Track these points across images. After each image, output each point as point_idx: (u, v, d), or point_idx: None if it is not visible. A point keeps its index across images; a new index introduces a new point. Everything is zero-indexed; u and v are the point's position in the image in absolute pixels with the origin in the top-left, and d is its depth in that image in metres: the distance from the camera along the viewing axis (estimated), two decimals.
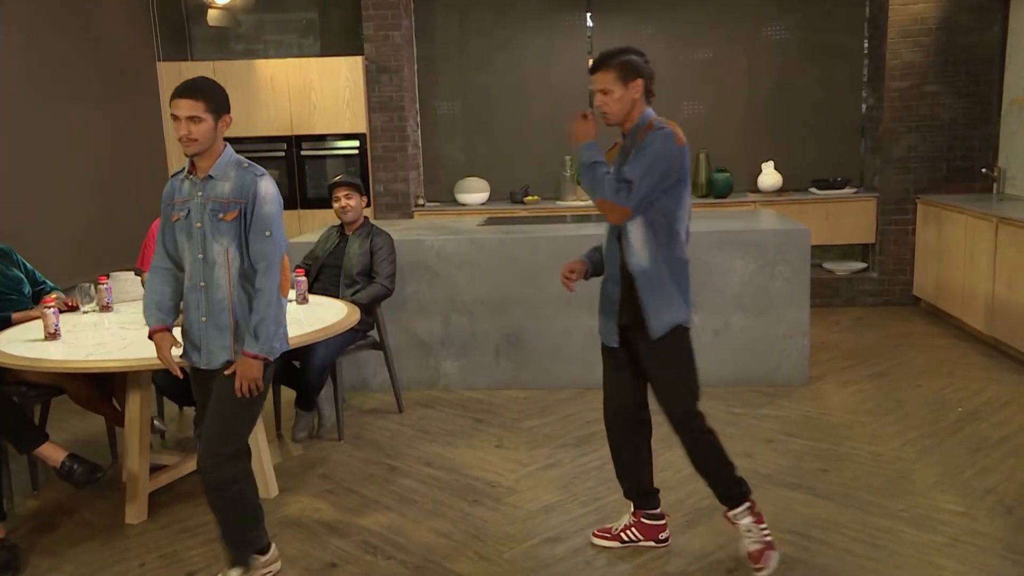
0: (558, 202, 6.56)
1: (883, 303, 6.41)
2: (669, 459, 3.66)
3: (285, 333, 2.63)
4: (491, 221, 5.37)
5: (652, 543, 2.93)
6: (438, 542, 3.02)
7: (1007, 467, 3.47)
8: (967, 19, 5.97)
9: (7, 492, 3.27)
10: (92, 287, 3.82)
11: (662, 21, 6.62)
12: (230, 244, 2.52)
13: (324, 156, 6.42)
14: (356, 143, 6.37)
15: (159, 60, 6.41)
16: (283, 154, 6.38)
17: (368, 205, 4.35)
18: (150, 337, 2.66)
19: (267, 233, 2.51)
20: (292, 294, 3.91)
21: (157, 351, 2.66)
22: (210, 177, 2.53)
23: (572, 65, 6.69)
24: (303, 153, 6.40)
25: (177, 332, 2.70)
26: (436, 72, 6.85)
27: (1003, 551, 2.82)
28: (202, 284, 2.55)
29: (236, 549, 2.68)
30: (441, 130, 6.94)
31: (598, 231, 4.20)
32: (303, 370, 3.93)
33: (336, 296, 4.10)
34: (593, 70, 2.66)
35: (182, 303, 2.65)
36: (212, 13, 6.62)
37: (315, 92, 6.30)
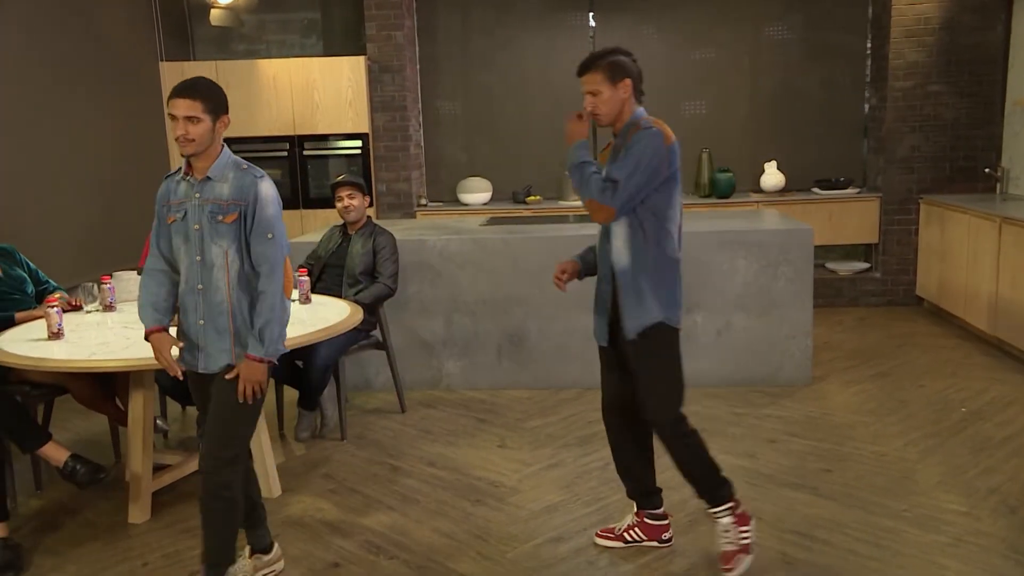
0: (560, 202, 6.56)
1: (886, 303, 6.40)
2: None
3: (284, 334, 2.61)
4: (493, 221, 5.37)
5: (655, 543, 2.93)
6: (441, 542, 3.02)
7: (1010, 467, 3.46)
8: (970, 19, 5.96)
9: (10, 491, 3.28)
10: (95, 286, 3.82)
11: (664, 21, 6.61)
12: (229, 246, 2.48)
13: (326, 156, 6.42)
14: (358, 143, 6.37)
15: (161, 60, 6.41)
16: (285, 154, 6.39)
17: (370, 205, 4.34)
18: (146, 337, 2.60)
19: (269, 235, 2.49)
20: (295, 293, 3.92)
21: (155, 352, 2.59)
22: (208, 178, 2.49)
23: (574, 65, 6.62)
24: (305, 153, 6.40)
25: (172, 333, 2.66)
26: (438, 72, 6.84)
27: (1006, 551, 2.81)
28: (200, 287, 2.51)
29: (212, 564, 2.57)
30: (443, 130, 6.94)
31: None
32: (306, 370, 3.93)
33: (339, 296, 4.10)
34: (581, 72, 2.66)
35: (178, 305, 2.61)
36: (215, 13, 6.62)
37: (317, 92, 6.31)
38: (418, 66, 6.77)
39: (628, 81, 2.62)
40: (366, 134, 6.35)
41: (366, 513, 3.27)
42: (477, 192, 6.64)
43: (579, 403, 4.42)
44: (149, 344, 2.61)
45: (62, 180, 5.26)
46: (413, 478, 3.58)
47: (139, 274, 4.14)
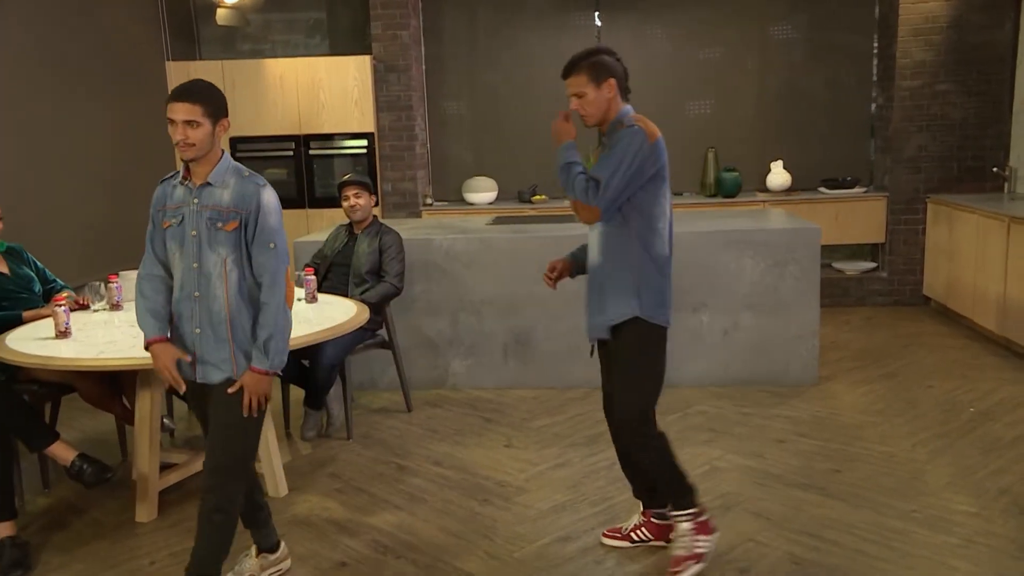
0: (566, 201, 6.55)
1: (893, 303, 6.38)
2: (682, 458, 3.59)
3: (287, 345, 2.53)
4: (499, 220, 5.36)
5: (662, 543, 2.92)
6: (448, 541, 3.02)
7: (1020, 468, 3.44)
8: (978, 17, 5.94)
9: (18, 490, 3.28)
10: (102, 285, 3.83)
11: (670, 20, 6.60)
12: (228, 255, 2.41)
13: (332, 155, 6.42)
14: (364, 142, 6.37)
15: (168, 59, 6.42)
16: (291, 153, 6.39)
17: (376, 204, 4.34)
18: (147, 347, 2.50)
19: (271, 246, 2.43)
20: (301, 292, 3.92)
21: (156, 362, 2.48)
22: (208, 184, 2.42)
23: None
24: (311, 152, 6.40)
25: None
26: (444, 71, 6.84)
27: (1017, 552, 2.79)
28: (196, 294, 2.44)
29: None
30: (449, 129, 6.94)
31: None
32: (312, 369, 3.93)
33: (345, 295, 4.10)
34: (565, 75, 2.66)
35: (172, 312, 2.53)
36: (221, 12, 6.62)
37: (323, 91, 6.31)
38: (424, 66, 6.77)
39: (612, 81, 2.62)
40: (372, 133, 6.35)
41: (373, 512, 3.26)
42: (482, 192, 6.63)
43: (585, 402, 4.41)
44: (150, 354, 2.51)
45: (69, 179, 5.27)
46: (420, 477, 3.57)
47: None
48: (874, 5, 6.41)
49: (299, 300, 3.89)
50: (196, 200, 2.43)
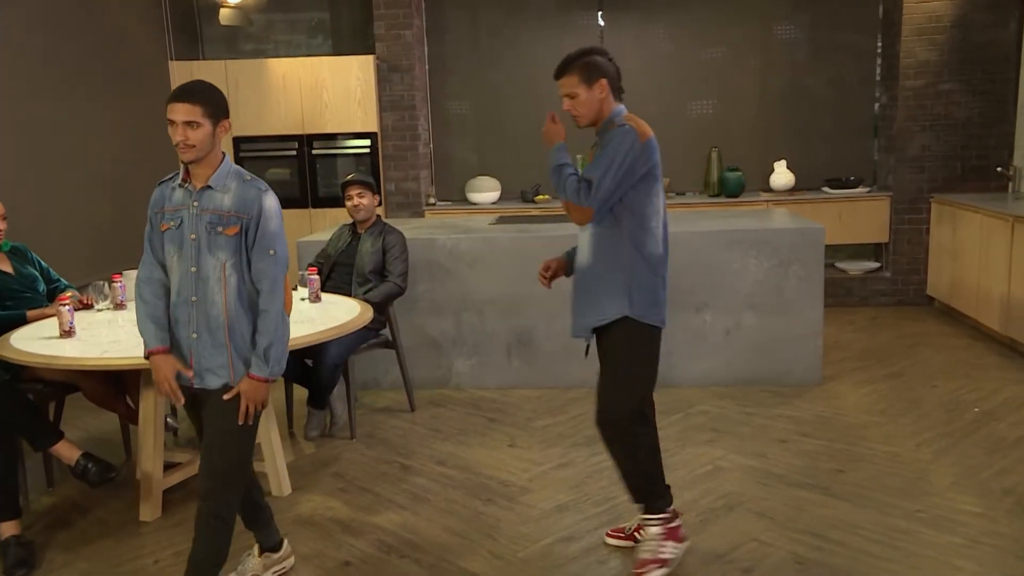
0: None
1: (896, 303, 6.37)
2: (684, 458, 3.65)
3: (286, 352, 2.49)
4: (502, 220, 5.36)
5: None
6: (452, 541, 3.01)
7: None
8: (982, 16, 5.92)
9: (22, 489, 3.28)
10: (106, 285, 3.83)
11: (673, 20, 6.59)
12: (228, 259, 2.37)
13: (335, 155, 6.42)
14: (367, 142, 6.37)
15: (171, 59, 6.43)
16: (294, 153, 6.39)
17: (379, 204, 4.34)
18: (147, 357, 2.45)
19: (271, 252, 2.39)
20: (304, 292, 3.92)
21: (156, 373, 2.44)
22: (208, 187, 2.39)
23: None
24: (314, 152, 6.40)
25: None
26: (447, 71, 6.84)
27: (1022, 552, 2.79)
28: (193, 299, 2.40)
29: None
30: (452, 129, 6.94)
31: None
32: (316, 368, 3.93)
33: (348, 294, 4.10)
34: (556, 75, 2.67)
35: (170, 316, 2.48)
36: (224, 12, 6.63)
37: (327, 91, 6.31)
38: (427, 65, 6.77)
39: (604, 81, 2.62)
40: (375, 133, 6.36)
41: (376, 512, 3.27)
42: (486, 191, 6.63)
43: (588, 402, 4.37)
44: (151, 364, 2.45)
45: (73, 179, 5.27)
46: (423, 477, 3.57)
47: None
48: (878, 4, 6.40)
49: (303, 300, 3.89)
50: (196, 203, 2.39)
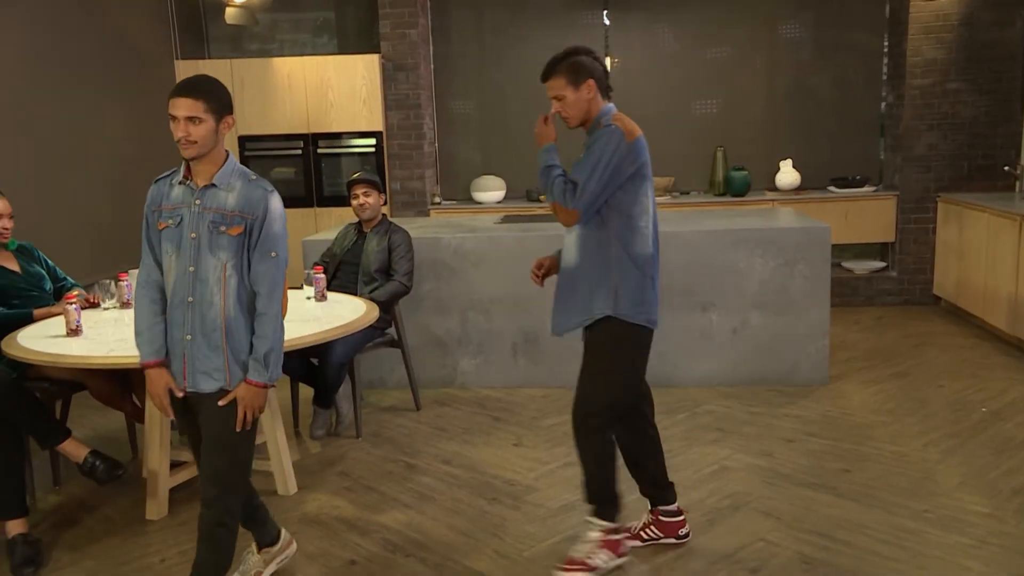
0: None
1: (903, 302, 6.35)
2: (690, 457, 3.64)
3: (282, 356, 2.43)
4: (508, 219, 5.35)
5: (672, 540, 2.91)
6: (458, 540, 3.01)
7: None
8: (989, 15, 5.90)
9: (29, 487, 3.28)
10: (112, 284, 3.84)
11: (679, 19, 6.58)
12: (229, 260, 2.31)
13: (340, 154, 6.42)
14: (372, 141, 6.37)
15: (177, 58, 6.44)
16: (300, 152, 6.39)
17: (384, 203, 4.34)
18: (142, 368, 2.39)
19: (272, 254, 2.34)
20: (310, 291, 3.92)
21: (150, 386, 2.39)
22: (212, 185, 2.32)
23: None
24: (320, 151, 6.40)
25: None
26: (452, 70, 6.84)
27: None
28: (190, 299, 2.32)
29: None
30: (457, 128, 6.93)
31: None
32: (321, 367, 3.93)
33: (354, 293, 4.10)
34: (543, 78, 2.66)
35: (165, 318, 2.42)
36: (229, 11, 6.64)
37: (332, 90, 6.31)
38: (432, 64, 6.77)
39: (591, 82, 2.61)
40: (380, 132, 6.36)
41: (382, 511, 3.26)
42: (491, 190, 6.63)
43: None
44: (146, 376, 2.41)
45: (78, 178, 5.29)
46: (429, 476, 3.57)
47: None
48: (884, 3, 6.38)
49: (308, 298, 3.89)
50: (198, 201, 2.32)
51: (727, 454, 3.67)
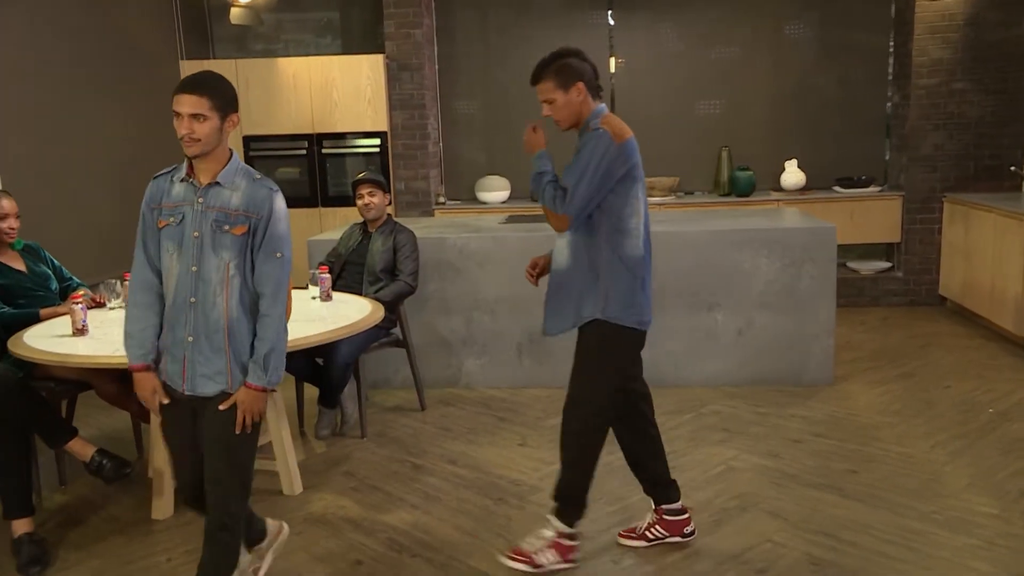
0: None
1: (908, 303, 6.33)
2: (697, 458, 3.64)
3: (284, 360, 2.39)
4: (512, 219, 5.35)
5: (678, 538, 2.91)
6: (463, 540, 3.01)
7: None
8: (995, 15, 5.88)
9: (35, 487, 3.29)
10: (118, 283, 3.84)
11: (683, 19, 6.57)
12: (232, 259, 2.26)
13: (345, 154, 6.42)
14: (377, 141, 6.37)
15: (182, 58, 6.44)
16: (304, 152, 6.39)
17: (389, 203, 4.34)
18: (130, 371, 2.36)
19: (278, 255, 2.29)
20: (315, 291, 3.92)
21: (138, 389, 2.36)
22: (216, 184, 2.27)
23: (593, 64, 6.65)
24: (324, 151, 6.40)
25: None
26: (457, 70, 6.84)
27: None
28: (192, 300, 2.27)
29: None
30: (462, 128, 6.93)
31: None
32: (326, 367, 3.93)
33: (359, 293, 4.10)
34: (533, 82, 2.66)
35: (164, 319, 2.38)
36: (234, 11, 6.64)
37: (336, 90, 6.31)
38: (436, 65, 6.76)
39: (580, 84, 2.61)
40: (384, 132, 6.36)
41: (388, 511, 3.26)
42: (495, 190, 6.62)
43: None
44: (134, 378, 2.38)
45: (84, 178, 5.29)
46: (434, 476, 3.57)
47: None
48: (890, 3, 6.36)
49: (314, 298, 3.89)
50: (201, 200, 2.27)
51: (733, 454, 3.66)
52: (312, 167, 6.43)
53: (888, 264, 6.47)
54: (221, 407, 2.29)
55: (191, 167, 2.31)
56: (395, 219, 4.39)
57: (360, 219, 4.35)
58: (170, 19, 6.41)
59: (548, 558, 2.73)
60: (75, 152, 5.21)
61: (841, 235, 5.14)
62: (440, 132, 6.86)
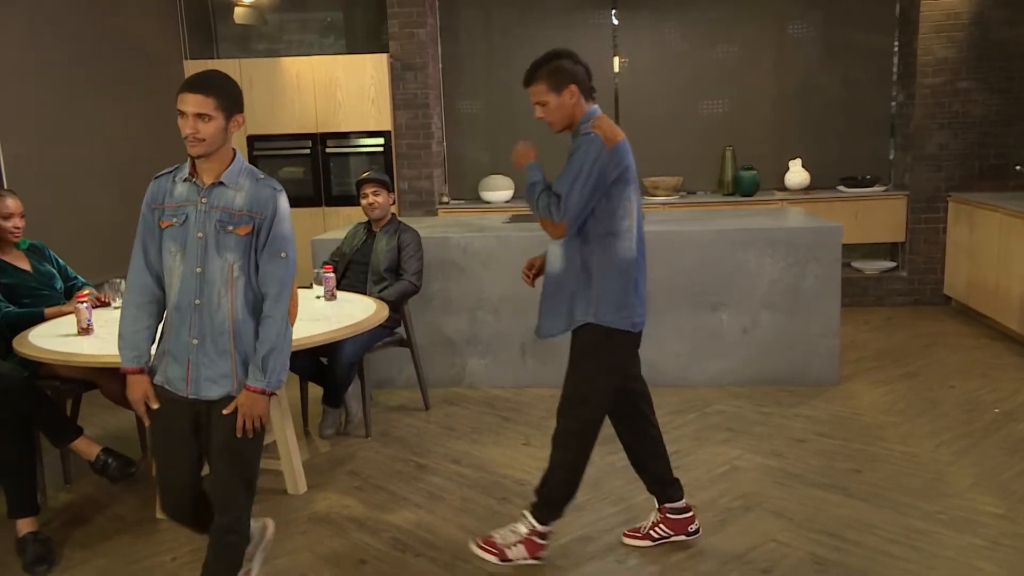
0: None
1: (913, 302, 6.32)
2: (701, 457, 3.63)
3: (287, 363, 2.36)
4: (516, 219, 5.35)
5: (683, 537, 2.90)
6: (467, 539, 3.00)
7: None
8: (1000, 14, 5.87)
9: (40, 486, 3.30)
10: (122, 283, 3.82)
11: (687, 19, 6.56)
12: (236, 260, 2.24)
13: (349, 153, 6.43)
14: (381, 140, 6.37)
15: (186, 58, 6.46)
16: (308, 151, 6.40)
17: (393, 203, 4.34)
18: (124, 374, 2.33)
19: (282, 255, 2.27)
20: (319, 290, 3.92)
21: (130, 392, 2.33)
22: (220, 184, 2.25)
23: (597, 64, 6.59)
24: (328, 150, 6.41)
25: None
26: (460, 70, 6.84)
27: None
28: (197, 302, 2.24)
29: None
30: (465, 128, 6.93)
31: None
32: (331, 367, 3.93)
33: (364, 292, 4.10)
34: (525, 84, 2.67)
35: (161, 324, 2.35)
36: (238, 11, 6.65)
37: (340, 90, 6.31)
38: (440, 64, 6.76)
39: (573, 87, 2.60)
40: (388, 132, 6.36)
41: (392, 510, 3.26)
42: (499, 190, 6.62)
43: None
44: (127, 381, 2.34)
45: (89, 177, 5.30)
46: (438, 475, 3.57)
47: None
48: (894, 2, 6.34)
49: (318, 298, 3.90)
50: (204, 200, 2.25)
51: (738, 454, 3.66)
52: (316, 167, 6.44)
53: (893, 264, 6.45)
54: (224, 411, 2.27)
55: (194, 167, 2.29)
56: (399, 218, 4.39)
57: (364, 218, 4.36)
58: (174, 19, 6.42)
59: (517, 552, 2.76)
60: (79, 151, 5.23)
61: (845, 235, 5.13)
62: (444, 132, 6.86)
